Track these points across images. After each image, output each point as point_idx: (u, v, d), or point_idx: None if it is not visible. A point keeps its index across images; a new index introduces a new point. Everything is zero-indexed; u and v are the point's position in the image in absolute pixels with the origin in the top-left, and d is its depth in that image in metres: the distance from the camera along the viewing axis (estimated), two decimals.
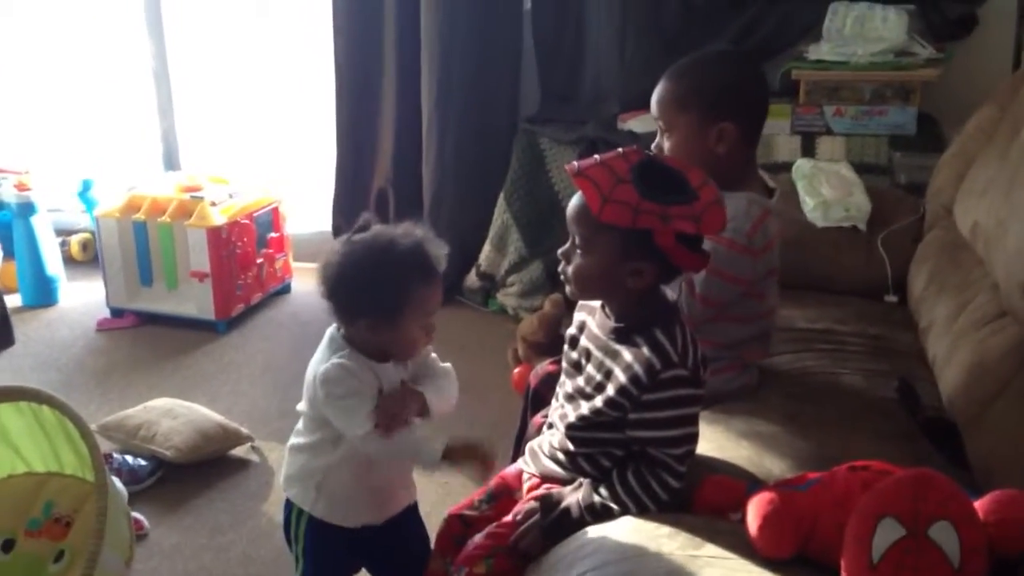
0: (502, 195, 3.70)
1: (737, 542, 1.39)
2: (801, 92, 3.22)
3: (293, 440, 1.81)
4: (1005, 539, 1.23)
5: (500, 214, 3.71)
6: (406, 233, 1.68)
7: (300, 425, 1.80)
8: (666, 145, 1.93)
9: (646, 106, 1.99)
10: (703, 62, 1.97)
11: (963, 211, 2.39)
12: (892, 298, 2.56)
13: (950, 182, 2.58)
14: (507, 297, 3.74)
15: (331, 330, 1.75)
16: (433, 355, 1.83)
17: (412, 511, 1.90)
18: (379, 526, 1.82)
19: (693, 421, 1.55)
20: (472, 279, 3.83)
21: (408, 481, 1.88)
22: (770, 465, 1.68)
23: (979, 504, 1.27)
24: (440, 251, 1.69)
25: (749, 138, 1.94)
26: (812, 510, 1.36)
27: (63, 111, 4.59)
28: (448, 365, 1.83)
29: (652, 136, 2.01)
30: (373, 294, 1.64)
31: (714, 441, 1.74)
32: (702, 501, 1.56)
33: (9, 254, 3.94)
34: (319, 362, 1.71)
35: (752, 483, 1.57)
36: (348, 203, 4.07)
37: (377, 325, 1.66)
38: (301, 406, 1.77)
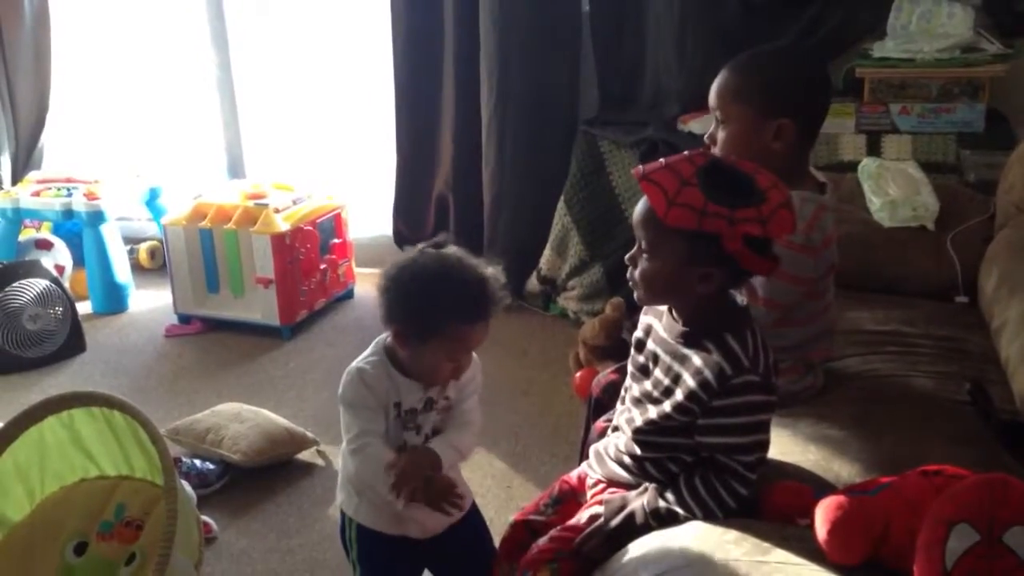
0: (562, 199, 3.69)
1: (806, 548, 1.37)
2: (866, 90, 3.17)
3: (343, 446, 1.82)
4: None
5: (560, 218, 3.71)
6: (474, 267, 1.67)
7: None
8: (720, 136, 1.90)
9: (707, 107, 1.96)
10: (767, 56, 1.94)
11: None
12: (962, 299, 2.51)
13: (1021, 180, 2.53)
14: (568, 301, 3.73)
15: (383, 334, 1.76)
16: (470, 402, 1.82)
17: (473, 514, 1.89)
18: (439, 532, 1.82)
19: (764, 428, 1.53)
20: (533, 283, 3.83)
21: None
22: (839, 469, 1.66)
23: None
24: (502, 300, 1.67)
25: (806, 136, 1.92)
26: (883, 515, 1.33)
27: (130, 122, 4.68)
28: (473, 413, 1.82)
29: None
30: (411, 311, 1.65)
31: (782, 446, 1.72)
32: (770, 506, 1.54)
33: (80, 262, 4.03)
34: (355, 360, 1.75)
35: (821, 488, 1.55)
36: (409, 209, 4.10)
37: (404, 338, 1.67)
38: None
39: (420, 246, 1.71)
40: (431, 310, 1.63)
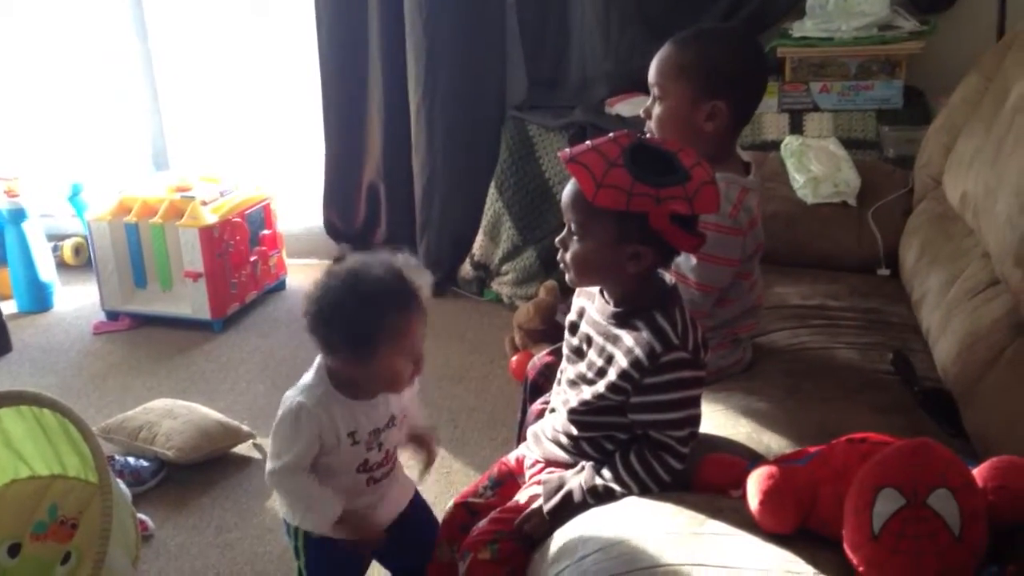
0: (493, 184, 3.70)
1: (739, 518, 1.40)
2: (787, 69, 3.23)
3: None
4: (1005, 505, 1.24)
5: (492, 203, 3.72)
6: (382, 262, 1.66)
7: None
8: (656, 110, 1.91)
9: (633, 90, 1.98)
10: (712, 36, 1.94)
11: (952, 182, 2.40)
12: (884, 272, 2.57)
13: (938, 154, 2.59)
14: (502, 286, 3.75)
15: (321, 356, 1.74)
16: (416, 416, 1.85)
17: (417, 502, 1.91)
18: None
19: (695, 403, 1.55)
20: (467, 269, 3.84)
21: (397, 494, 1.88)
22: (769, 441, 1.69)
23: (977, 471, 1.27)
24: (423, 279, 1.67)
25: (738, 121, 1.93)
26: (812, 484, 1.37)
27: (50, 116, 4.57)
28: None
29: (640, 120, 1.99)
30: (345, 328, 1.62)
31: (713, 419, 1.75)
32: (702, 479, 1.57)
33: (2, 261, 3.94)
34: (297, 388, 1.73)
35: (752, 460, 1.58)
36: (339, 198, 4.08)
37: (354, 360, 1.65)
38: None
39: (326, 269, 1.69)
40: (363, 318, 1.61)
